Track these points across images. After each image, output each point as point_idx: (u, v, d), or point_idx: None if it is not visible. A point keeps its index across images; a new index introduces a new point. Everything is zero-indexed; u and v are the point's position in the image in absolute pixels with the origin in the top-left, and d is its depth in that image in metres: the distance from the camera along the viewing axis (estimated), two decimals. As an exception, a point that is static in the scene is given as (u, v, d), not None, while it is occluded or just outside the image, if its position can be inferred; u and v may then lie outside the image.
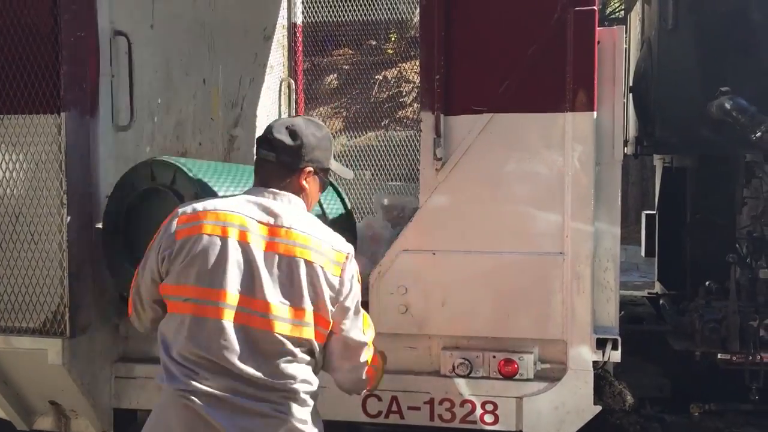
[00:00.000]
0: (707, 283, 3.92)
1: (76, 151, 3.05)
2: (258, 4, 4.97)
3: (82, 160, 3.08)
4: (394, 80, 10.95)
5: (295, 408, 2.10)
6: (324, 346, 2.18)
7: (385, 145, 8.34)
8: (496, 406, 3.01)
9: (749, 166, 4.11)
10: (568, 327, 2.93)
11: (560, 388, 2.96)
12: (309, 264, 2.11)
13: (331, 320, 2.15)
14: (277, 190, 2.19)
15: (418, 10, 5.73)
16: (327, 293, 2.12)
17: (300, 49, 5.48)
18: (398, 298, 3.01)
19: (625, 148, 4.75)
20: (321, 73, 10.20)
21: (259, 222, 2.11)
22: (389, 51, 10.62)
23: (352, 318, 2.20)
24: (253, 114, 4.91)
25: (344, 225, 3.35)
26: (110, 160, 3.25)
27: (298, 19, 5.47)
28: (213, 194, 2.98)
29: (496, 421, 3.01)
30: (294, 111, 5.38)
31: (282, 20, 5.34)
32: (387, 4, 7.22)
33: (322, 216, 3.26)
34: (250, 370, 2.05)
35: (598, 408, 2.98)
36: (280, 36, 5.31)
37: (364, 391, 2.38)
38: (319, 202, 3.60)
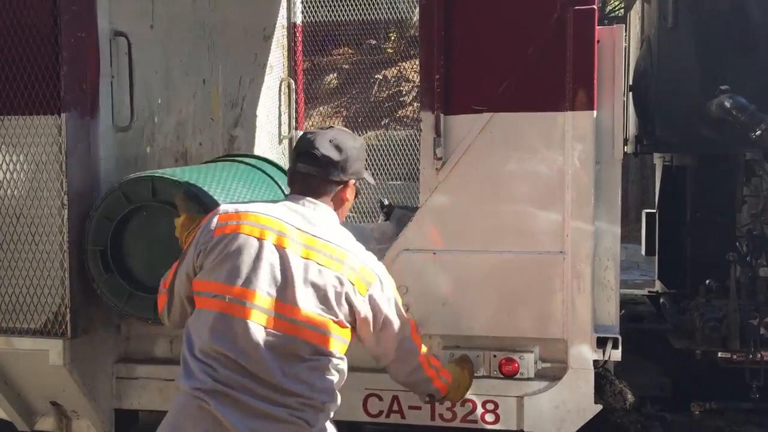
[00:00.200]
0: (707, 281, 3.92)
1: (76, 151, 3.05)
2: (258, 3, 4.97)
3: (82, 161, 3.08)
4: (393, 79, 10.95)
5: (312, 415, 2.11)
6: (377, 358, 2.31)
7: (385, 145, 8.35)
8: (496, 405, 3.01)
9: (749, 164, 4.11)
10: (569, 326, 2.93)
11: (561, 387, 2.96)
12: (341, 279, 2.13)
13: (361, 333, 2.21)
14: (317, 201, 2.22)
15: (417, 10, 5.73)
16: (355, 309, 2.15)
17: (300, 48, 5.48)
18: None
19: (625, 147, 4.75)
20: (321, 73, 10.20)
21: (299, 230, 2.14)
22: (389, 50, 10.62)
23: (390, 327, 2.26)
24: (253, 114, 4.91)
25: None
26: (111, 161, 3.25)
27: (298, 19, 5.46)
28: (207, 194, 2.98)
29: (496, 421, 3.02)
30: (294, 111, 5.38)
31: (282, 20, 5.34)
32: (387, 3, 7.23)
33: None
34: (272, 373, 2.05)
35: (599, 407, 2.99)
36: (279, 36, 5.31)
37: (440, 396, 2.51)
38: None
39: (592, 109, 2.89)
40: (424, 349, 2.43)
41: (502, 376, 2.98)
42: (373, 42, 10.01)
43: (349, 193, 2.29)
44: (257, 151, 4.92)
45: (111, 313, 3.25)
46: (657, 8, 4.21)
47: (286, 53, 5.38)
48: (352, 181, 2.29)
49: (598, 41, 2.90)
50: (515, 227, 2.95)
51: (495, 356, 2.99)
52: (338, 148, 2.25)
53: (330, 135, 2.27)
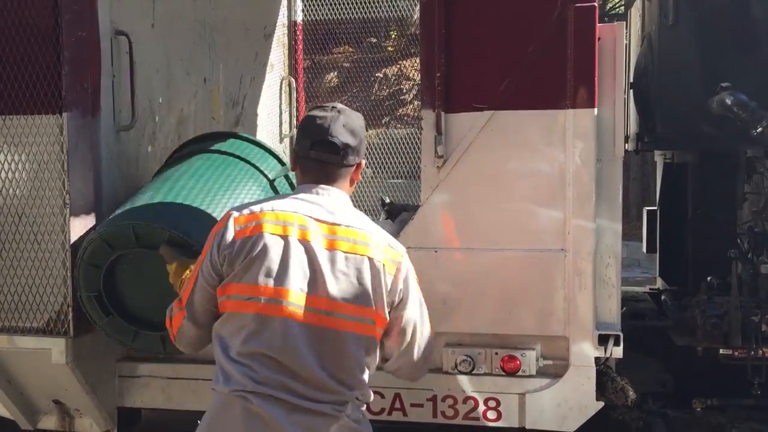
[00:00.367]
0: (709, 278, 3.91)
1: (78, 151, 3.06)
2: (258, 2, 4.98)
3: (84, 160, 3.09)
4: (394, 78, 10.95)
5: (352, 408, 2.11)
6: (382, 343, 2.20)
7: (386, 143, 8.34)
8: (498, 403, 3.02)
9: (750, 161, 4.11)
10: (570, 323, 2.94)
11: (563, 385, 2.97)
12: (371, 261, 2.11)
13: (388, 318, 2.16)
14: (330, 187, 2.18)
15: (418, 8, 5.73)
16: (385, 291, 2.13)
17: (300, 47, 5.48)
18: (400, 296, 3.01)
19: (626, 144, 4.74)
20: (321, 71, 10.20)
21: (318, 221, 2.11)
22: (389, 48, 10.62)
23: (419, 312, 2.23)
24: (254, 112, 4.92)
25: None
26: (112, 160, 3.26)
27: (299, 17, 5.47)
28: (195, 220, 2.82)
29: (498, 418, 3.02)
30: (295, 109, 5.38)
31: (282, 18, 5.34)
32: (387, 1, 7.22)
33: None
34: (311, 369, 2.04)
35: (601, 404, 2.99)
36: (280, 34, 5.31)
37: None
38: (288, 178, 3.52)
39: (593, 106, 2.89)
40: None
41: (504, 373, 2.99)
42: (374, 40, 10.01)
43: (359, 173, 2.27)
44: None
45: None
46: (658, 5, 4.20)
47: (286, 52, 5.39)
48: (362, 162, 2.27)
49: (599, 39, 2.90)
50: (516, 225, 2.95)
51: (497, 353, 2.99)
52: (353, 133, 2.21)
53: (342, 120, 2.20)
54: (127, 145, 3.43)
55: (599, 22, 2.91)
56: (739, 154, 4.12)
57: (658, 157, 5.38)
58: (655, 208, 5.15)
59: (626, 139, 4.77)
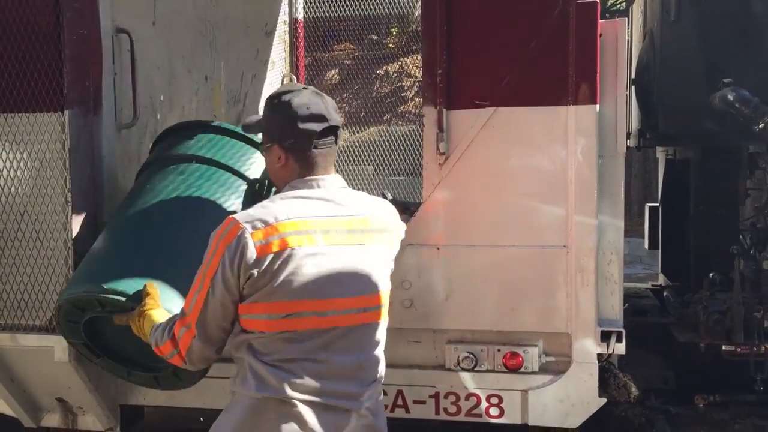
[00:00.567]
0: (711, 274, 3.91)
1: (79, 148, 3.06)
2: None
3: (85, 158, 3.09)
4: (395, 75, 10.94)
5: (370, 399, 2.11)
6: None
7: (387, 140, 8.35)
8: (501, 399, 3.02)
9: (752, 157, 4.10)
10: (573, 320, 2.94)
11: (565, 381, 2.97)
12: (389, 246, 2.15)
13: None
14: (326, 176, 2.09)
15: (419, 4, 5.72)
16: (393, 267, 2.20)
17: (301, 44, 5.48)
18: (402, 293, 3.02)
19: (628, 141, 4.74)
20: (322, 69, 10.20)
21: (333, 218, 2.04)
22: (390, 45, 10.61)
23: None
24: (256, 110, 4.91)
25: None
26: (114, 158, 3.26)
27: (299, 15, 5.46)
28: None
29: (501, 414, 3.02)
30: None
31: (283, 16, 5.34)
32: (388, -2, 7.22)
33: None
34: (350, 369, 2.04)
35: (603, 400, 2.99)
36: (281, 31, 5.30)
37: None
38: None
39: (595, 103, 2.88)
40: None
41: (506, 370, 2.99)
42: (375, 37, 10.00)
43: None
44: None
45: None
46: (659, 1, 4.19)
47: (287, 49, 5.38)
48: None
49: (601, 35, 2.90)
50: (518, 221, 2.95)
51: (499, 350, 3.00)
52: (335, 109, 2.13)
53: (327, 101, 2.10)
54: (129, 142, 3.43)
55: (601, 18, 2.90)
56: (742, 150, 4.11)
57: (660, 154, 5.37)
58: (657, 204, 5.15)
59: (628, 135, 4.77)
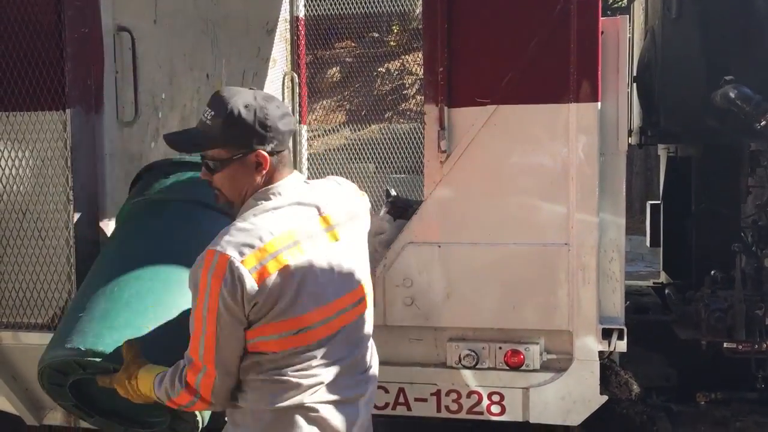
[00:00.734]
0: (712, 272, 3.92)
1: (81, 147, 3.06)
2: (260, -3, 4.98)
3: (87, 156, 3.09)
4: (396, 72, 10.94)
5: (369, 388, 2.14)
6: None
7: (389, 138, 8.35)
8: (502, 397, 3.02)
9: (754, 155, 4.11)
10: (574, 317, 2.94)
11: (566, 379, 2.97)
12: (365, 228, 2.16)
13: None
14: (286, 178, 2.02)
15: (420, 2, 5.72)
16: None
17: (303, 42, 5.48)
18: (404, 291, 3.02)
19: (630, 138, 4.74)
20: (323, 66, 10.20)
21: (310, 219, 2.00)
22: (392, 43, 10.61)
23: None
24: (257, 108, 4.91)
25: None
26: (116, 156, 3.26)
27: (301, 13, 5.46)
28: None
29: (502, 412, 3.03)
30: (298, 104, 5.39)
31: (284, 14, 5.34)
32: (389, -4, 7.22)
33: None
34: (356, 363, 2.07)
35: (605, 398, 2.99)
36: (282, 29, 5.31)
37: None
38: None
39: (597, 100, 2.88)
40: None
41: (507, 367, 2.99)
42: (376, 35, 10.00)
43: None
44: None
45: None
46: (661, -1, 4.19)
47: (289, 47, 5.38)
48: None
49: (602, 32, 2.90)
50: (520, 219, 2.95)
51: (500, 348, 3.00)
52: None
53: (277, 100, 2.05)
54: (131, 141, 3.43)
55: (602, 16, 2.90)
56: (743, 148, 4.12)
57: (662, 151, 5.37)
58: (659, 202, 5.15)
59: (629, 133, 4.77)
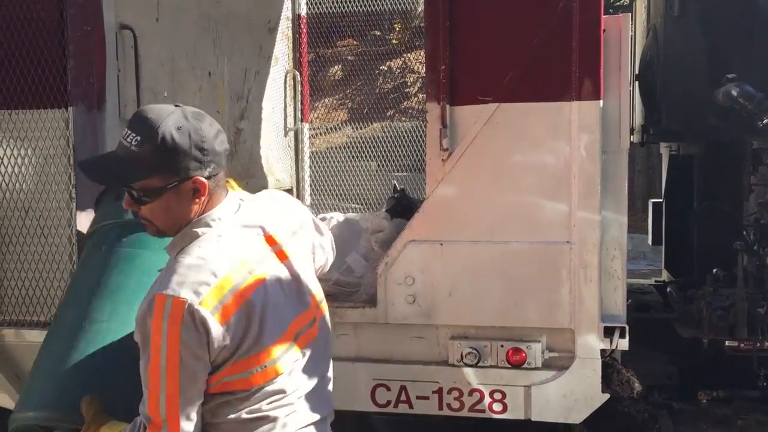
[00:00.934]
0: (715, 270, 3.91)
1: (84, 145, 3.07)
2: (262, -5, 4.98)
3: (90, 154, 3.09)
4: (398, 71, 10.94)
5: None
6: None
7: (391, 136, 8.36)
8: (504, 395, 3.02)
9: (756, 153, 4.09)
10: (576, 316, 2.94)
11: (568, 377, 2.97)
12: (310, 242, 2.03)
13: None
14: (222, 203, 1.86)
15: (422, 0, 5.71)
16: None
17: (305, 40, 5.47)
18: (406, 289, 3.02)
19: (632, 137, 4.73)
20: (325, 64, 10.21)
21: (256, 242, 1.85)
22: (393, 41, 10.61)
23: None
24: (259, 106, 4.92)
25: None
26: (118, 154, 3.26)
27: (303, 11, 5.46)
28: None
29: (504, 410, 3.03)
30: (299, 103, 5.39)
31: (286, 12, 5.34)
32: (391, -6, 7.23)
33: None
34: (320, 377, 1.97)
35: (606, 396, 3.00)
36: (284, 27, 5.30)
37: None
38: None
39: (599, 98, 2.88)
40: None
41: (509, 365, 2.99)
42: (378, 33, 10.00)
43: None
44: (263, 144, 4.93)
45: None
46: (663, -4, 4.18)
47: (291, 45, 5.38)
48: None
49: (604, 30, 2.89)
50: (522, 217, 2.95)
51: (502, 346, 3.00)
52: None
53: (208, 117, 1.88)
54: (133, 139, 3.43)
55: (604, 14, 2.90)
56: (745, 146, 4.11)
57: (664, 149, 5.37)
58: (661, 200, 5.15)
59: (631, 131, 4.76)
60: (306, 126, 5.46)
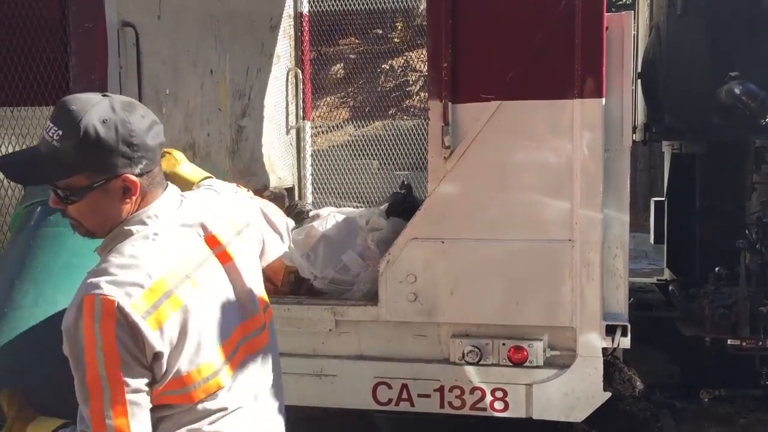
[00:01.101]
0: (717, 269, 3.91)
1: (85, 142, 3.06)
2: (264, -7, 4.97)
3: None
4: (400, 69, 10.93)
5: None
6: None
7: (392, 135, 8.36)
8: (506, 393, 3.02)
9: (759, 151, 4.09)
10: (578, 314, 2.94)
11: (570, 375, 2.97)
12: (251, 241, 1.84)
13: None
14: (161, 198, 1.68)
15: (424, -2, 5.71)
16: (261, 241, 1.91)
17: (306, 38, 5.47)
18: (407, 287, 3.02)
19: (634, 135, 4.73)
20: (327, 63, 10.21)
21: (196, 243, 1.68)
22: (395, 40, 10.61)
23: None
24: (261, 104, 4.92)
25: None
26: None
27: (305, 9, 5.46)
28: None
29: (506, 408, 3.03)
30: (301, 101, 5.39)
31: (288, 10, 5.34)
32: (393, -8, 7.23)
33: None
34: (278, 387, 1.85)
35: (608, 394, 2.99)
36: (286, 25, 5.30)
37: None
38: None
39: (601, 96, 2.88)
40: None
41: (511, 364, 2.99)
42: (380, 31, 10.00)
43: None
44: (265, 141, 4.93)
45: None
46: (666, -5, 4.18)
47: (292, 43, 5.38)
48: None
49: (607, 28, 2.89)
50: (524, 215, 2.95)
51: (504, 344, 3.00)
52: None
53: (141, 107, 1.66)
54: (135, 136, 3.43)
55: (607, 12, 2.89)
56: (748, 144, 4.10)
57: (666, 148, 5.36)
58: (663, 198, 5.14)
59: (634, 129, 4.75)
60: (308, 124, 5.46)
